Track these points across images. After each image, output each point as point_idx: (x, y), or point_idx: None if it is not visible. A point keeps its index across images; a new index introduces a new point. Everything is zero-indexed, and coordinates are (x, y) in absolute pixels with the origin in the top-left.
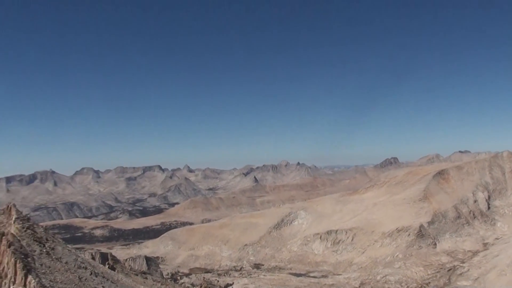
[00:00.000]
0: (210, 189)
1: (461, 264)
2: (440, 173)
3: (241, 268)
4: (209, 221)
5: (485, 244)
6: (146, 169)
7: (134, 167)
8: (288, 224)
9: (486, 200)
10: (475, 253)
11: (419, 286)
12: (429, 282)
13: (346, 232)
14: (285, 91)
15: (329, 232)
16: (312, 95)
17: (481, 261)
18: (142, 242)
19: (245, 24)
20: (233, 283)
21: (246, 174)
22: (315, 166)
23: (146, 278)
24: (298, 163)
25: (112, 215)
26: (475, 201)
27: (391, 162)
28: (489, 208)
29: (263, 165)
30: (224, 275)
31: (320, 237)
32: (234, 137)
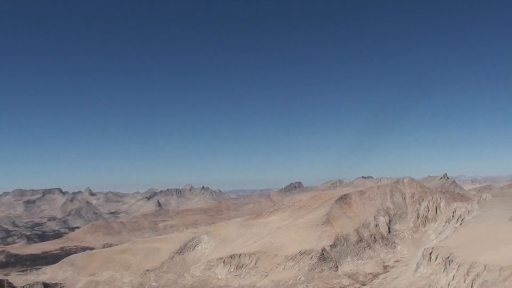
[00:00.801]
0: (112, 213)
1: (362, 286)
2: (343, 198)
3: None
4: (110, 245)
5: (385, 267)
6: (45, 192)
7: (33, 190)
8: (191, 249)
9: (387, 224)
10: (375, 275)
11: None
12: None
13: (250, 256)
14: (189, 117)
15: (232, 256)
16: (215, 119)
17: (382, 283)
18: (40, 268)
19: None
20: None
21: (149, 198)
22: (220, 190)
23: None
24: (203, 187)
25: (9, 239)
26: (376, 225)
27: (295, 187)
28: (389, 232)
29: (167, 189)
30: None
31: (224, 261)
32: (137, 160)
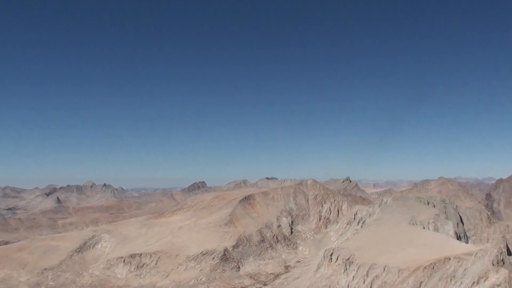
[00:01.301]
0: (9, 209)
1: (263, 286)
2: (247, 198)
3: None
4: (7, 243)
5: (287, 267)
6: None
7: None
8: (91, 247)
9: (290, 225)
10: (277, 275)
11: None
12: None
13: (151, 256)
14: (90, 112)
15: (133, 256)
16: (117, 114)
17: (283, 283)
18: None
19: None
20: None
21: (48, 194)
22: (122, 188)
23: None
24: (104, 184)
25: None
26: (279, 226)
27: (199, 186)
28: (292, 232)
29: (67, 185)
30: None
31: (124, 260)
32: (37, 154)
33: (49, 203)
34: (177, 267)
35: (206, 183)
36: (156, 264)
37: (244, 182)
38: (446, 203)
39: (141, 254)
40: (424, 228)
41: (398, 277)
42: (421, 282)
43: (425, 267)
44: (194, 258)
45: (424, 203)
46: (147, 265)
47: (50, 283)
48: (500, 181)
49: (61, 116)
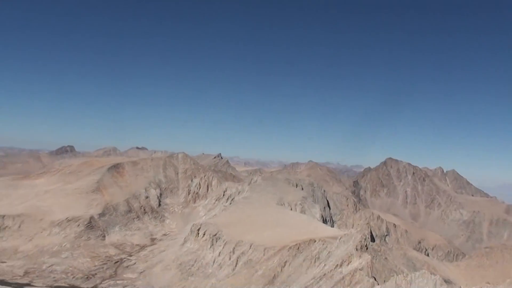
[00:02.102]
0: None
1: (128, 257)
2: (115, 167)
3: None
4: None
5: (153, 239)
6: None
7: None
8: None
9: (158, 197)
10: (143, 247)
11: (85, 276)
12: (96, 273)
13: (14, 218)
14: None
15: None
16: None
17: (148, 255)
18: None
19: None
20: None
21: None
22: None
23: None
24: None
25: None
26: (147, 197)
27: (67, 150)
28: (160, 205)
29: None
30: None
31: None
32: None
33: None
34: (41, 232)
35: (75, 147)
36: (19, 227)
37: (114, 150)
38: (314, 187)
39: (4, 216)
40: (291, 209)
41: (264, 255)
42: (286, 262)
43: (290, 247)
44: (58, 223)
45: (293, 185)
46: (9, 227)
47: None
48: (368, 170)
49: None
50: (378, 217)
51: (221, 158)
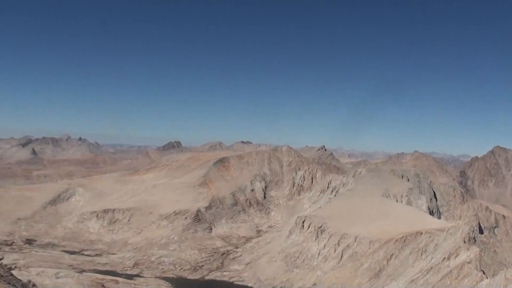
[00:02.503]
0: None
1: (234, 249)
2: (221, 161)
3: (12, 243)
4: None
5: (258, 231)
6: None
7: None
8: (65, 200)
9: (263, 190)
10: (248, 239)
11: (193, 268)
12: (203, 265)
13: (124, 212)
14: (69, 66)
15: (106, 211)
16: (97, 70)
17: (254, 247)
18: None
19: None
20: (2, 258)
21: (24, 145)
22: (97, 143)
23: None
24: (80, 138)
25: None
26: (252, 190)
27: (174, 146)
28: (265, 197)
29: (43, 137)
30: None
31: (97, 215)
32: (14, 104)
33: (24, 154)
34: (150, 225)
35: (181, 143)
36: (129, 220)
37: (220, 144)
38: (420, 178)
39: (114, 210)
40: (397, 201)
41: (369, 248)
42: (391, 254)
43: (396, 240)
44: (166, 217)
45: (398, 176)
46: (119, 221)
47: (23, 233)
48: (475, 159)
49: (40, 68)
50: (487, 208)
51: (325, 150)
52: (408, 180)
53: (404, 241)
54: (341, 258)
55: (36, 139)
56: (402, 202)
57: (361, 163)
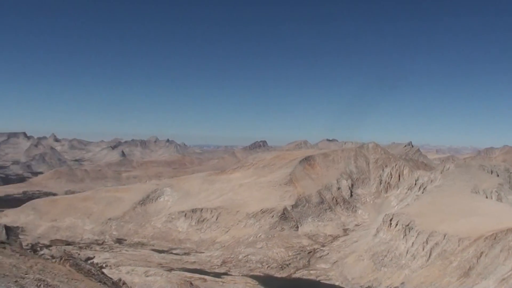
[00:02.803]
0: (76, 160)
1: (321, 248)
2: (307, 159)
3: (103, 242)
4: (73, 192)
5: (345, 230)
6: (10, 135)
7: None
8: (154, 200)
9: (349, 188)
10: (335, 237)
11: (280, 266)
12: (290, 263)
13: (211, 211)
14: (156, 70)
15: (194, 210)
16: (183, 73)
17: (341, 245)
18: (2, 211)
19: None
20: (94, 256)
21: (113, 148)
22: (184, 144)
23: (4, 247)
24: (168, 140)
25: None
26: (338, 188)
27: (260, 145)
28: (351, 195)
29: (132, 140)
30: (85, 248)
31: (185, 214)
32: (104, 108)
33: (114, 156)
34: (237, 224)
35: (267, 142)
36: (216, 219)
37: (305, 142)
38: (511, 173)
39: (202, 209)
40: (487, 197)
41: (458, 245)
42: (481, 252)
43: (486, 237)
44: (253, 215)
45: (487, 172)
46: (207, 220)
47: (114, 233)
48: None
49: (129, 74)
50: None
51: (412, 146)
52: (498, 175)
53: (495, 238)
54: (429, 257)
55: (125, 142)
56: (492, 198)
57: (449, 158)
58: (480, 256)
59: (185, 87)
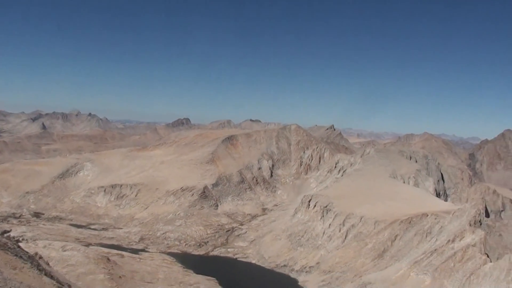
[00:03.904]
0: None
1: (239, 226)
2: (229, 139)
3: (20, 216)
4: None
5: (264, 209)
6: None
7: None
8: (73, 175)
9: (270, 168)
10: (254, 217)
11: (198, 244)
12: (208, 241)
13: (131, 187)
14: (80, 41)
15: (113, 186)
16: (108, 45)
17: (259, 224)
18: None
19: None
20: (10, 230)
21: (34, 120)
22: (106, 119)
23: None
24: (90, 114)
25: None
26: (259, 168)
27: (183, 123)
28: (272, 176)
29: (53, 112)
30: (2, 221)
31: (105, 190)
32: (24, 79)
33: (34, 128)
34: (156, 201)
35: (190, 120)
36: (136, 196)
37: (228, 122)
38: (429, 160)
39: (121, 185)
40: (404, 182)
41: (374, 228)
42: (396, 236)
43: (401, 221)
44: (173, 193)
45: (406, 158)
46: (127, 196)
47: (31, 206)
48: (485, 142)
49: (51, 43)
50: (494, 191)
51: (334, 129)
52: (416, 161)
53: (410, 222)
54: (345, 238)
55: (46, 114)
56: (409, 183)
57: (370, 143)
58: (395, 239)
59: (109, 60)
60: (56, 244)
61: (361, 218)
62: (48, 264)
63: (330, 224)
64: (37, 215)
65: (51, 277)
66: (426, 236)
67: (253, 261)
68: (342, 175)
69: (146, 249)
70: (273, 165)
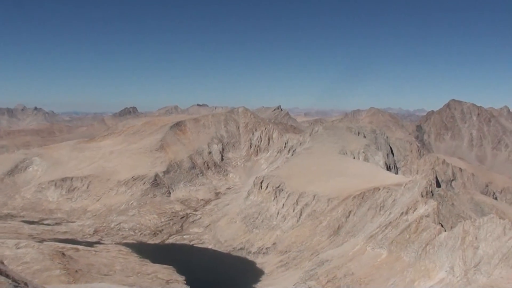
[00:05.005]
0: None
1: (193, 212)
2: (178, 125)
3: None
4: None
5: (217, 194)
6: None
7: None
8: (22, 170)
9: (220, 152)
10: (207, 201)
11: (153, 232)
12: (163, 229)
13: (82, 180)
14: (22, 33)
15: (64, 179)
16: (50, 37)
17: (213, 209)
18: None
19: None
20: None
21: None
22: (53, 112)
23: None
24: (35, 108)
25: None
26: (209, 153)
27: (130, 112)
28: (222, 159)
29: None
30: None
31: (55, 184)
32: None
33: None
34: (108, 191)
35: (137, 108)
36: (87, 188)
37: (175, 108)
38: (377, 134)
39: (72, 178)
40: (354, 158)
41: (328, 205)
42: (350, 211)
43: (354, 197)
44: (125, 182)
45: (354, 133)
46: (78, 188)
47: None
48: (431, 113)
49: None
50: (443, 161)
51: (281, 110)
52: (365, 136)
53: (362, 197)
54: (300, 217)
55: None
56: (359, 158)
57: (318, 121)
58: (349, 215)
59: (51, 52)
60: (10, 242)
61: (314, 196)
62: (2, 262)
63: (283, 204)
64: None
65: (7, 276)
66: (380, 210)
67: (210, 246)
68: (292, 155)
69: (101, 241)
70: (223, 149)
